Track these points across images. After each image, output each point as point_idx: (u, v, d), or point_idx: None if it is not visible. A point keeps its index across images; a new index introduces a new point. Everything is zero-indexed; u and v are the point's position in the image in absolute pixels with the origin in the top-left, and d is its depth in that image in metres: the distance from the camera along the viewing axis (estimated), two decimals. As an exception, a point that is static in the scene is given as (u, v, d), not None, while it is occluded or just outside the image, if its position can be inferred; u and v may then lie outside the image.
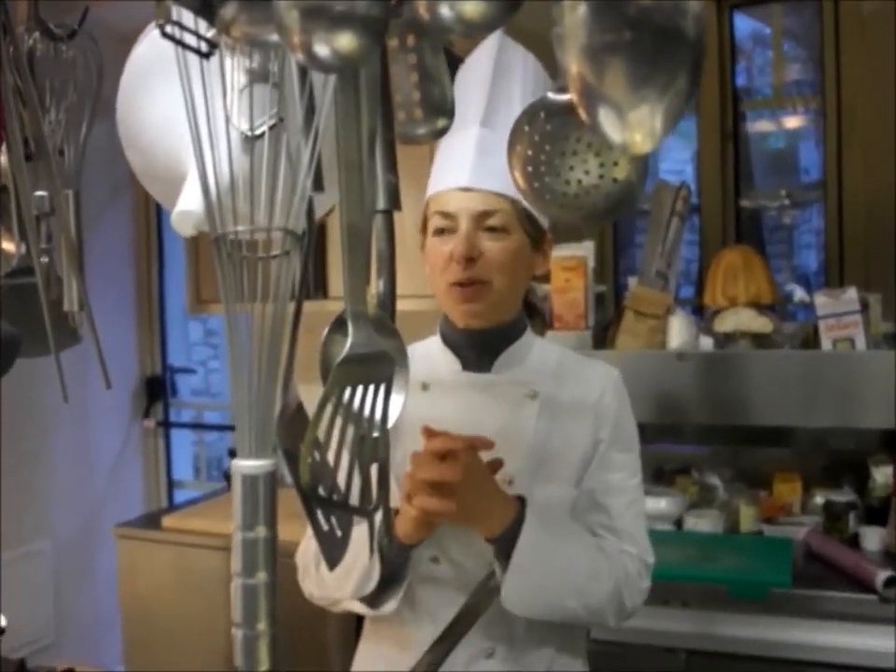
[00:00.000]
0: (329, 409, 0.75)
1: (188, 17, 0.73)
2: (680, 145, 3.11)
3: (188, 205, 0.89)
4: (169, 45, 0.73)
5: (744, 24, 3.07)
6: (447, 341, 1.45)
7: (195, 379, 4.37)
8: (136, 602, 2.98)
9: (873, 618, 2.01)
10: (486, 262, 1.33)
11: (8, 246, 1.16)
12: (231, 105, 0.81)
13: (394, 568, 1.35)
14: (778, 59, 3.07)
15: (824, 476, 2.59)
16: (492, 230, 1.33)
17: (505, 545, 1.30)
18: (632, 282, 2.62)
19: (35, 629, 3.17)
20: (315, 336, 0.82)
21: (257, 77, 0.82)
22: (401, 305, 0.89)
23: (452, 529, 1.34)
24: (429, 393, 1.42)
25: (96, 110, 1.17)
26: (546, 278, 2.49)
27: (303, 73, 0.78)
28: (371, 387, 0.79)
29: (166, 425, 3.99)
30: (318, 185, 0.80)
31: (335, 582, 1.38)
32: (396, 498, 1.26)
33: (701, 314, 2.62)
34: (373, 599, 1.37)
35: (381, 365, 0.80)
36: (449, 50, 1.03)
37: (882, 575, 2.05)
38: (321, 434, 0.76)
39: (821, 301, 2.32)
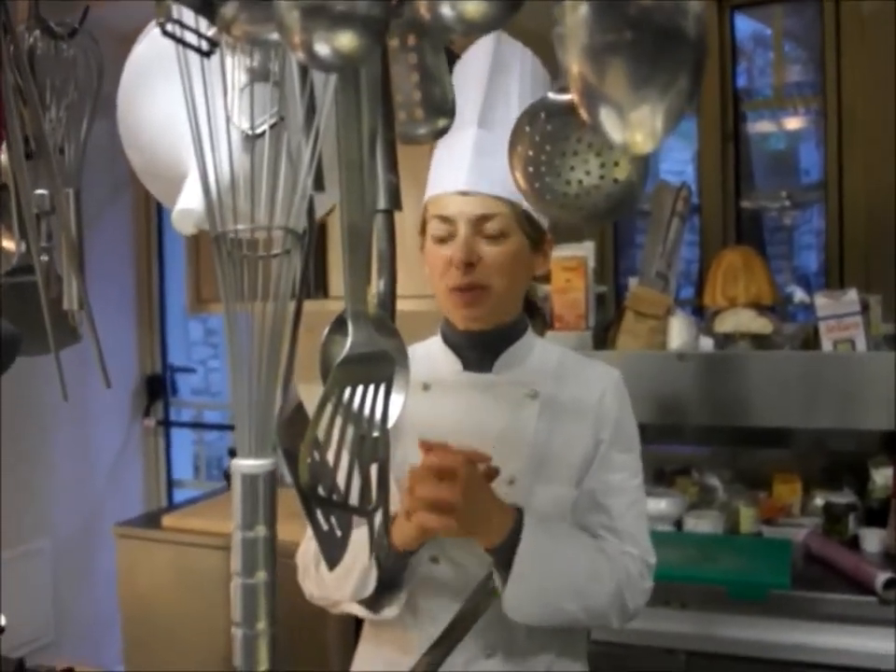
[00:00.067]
0: (329, 408, 0.75)
1: (188, 15, 0.73)
2: (681, 145, 3.11)
3: (188, 204, 0.88)
4: (169, 44, 0.73)
5: (745, 25, 3.07)
6: (448, 341, 1.45)
7: (195, 378, 4.37)
8: (136, 601, 2.98)
9: (872, 620, 2.01)
10: (485, 267, 1.33)
11: (9, 245, 1.16)
12: (231, 104, 0.81)
13: (393, 573, 1.35)
14: (779, 60, 3.07)
15: (824, 477, 2.59)
16: (491, 235, 1.33)
17: (505, 554, 1.29)
18: (632, 282, 2.62)
19: (35, 628, 3.17)
20: (315, 335, 0.82)
21: (257, 75, 0.82)
22: (402, 305, 0.88)
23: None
24: (430, 393, 1.42)
25: (96, 109, 1.17)
26: (547, 278, 2.49)
27: (304, 72, 0.78)
28: (372, 387, 0.79)
29: (166, 424, 3.99)
30: (319, 184, 0.80)
31: (334, 583, 1.38)
32: (395, 500, 1.26)
33: (701, 314, 2.62)
34: (373, 603, 1.37)
35: (381, 365, 0.80)
36: (448, 49, 1.03)
37: (882, 577, 2.05)
38: (321, 434, 0.76)
39: (822, 302, 2.32)
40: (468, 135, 1.33)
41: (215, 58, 0.76)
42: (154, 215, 3.87)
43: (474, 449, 1.29)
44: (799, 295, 2.70)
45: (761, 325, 2.39)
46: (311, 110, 0.77)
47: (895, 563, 2.18)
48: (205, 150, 0.73)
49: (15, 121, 0.97)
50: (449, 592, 1.36)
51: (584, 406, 1.42)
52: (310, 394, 0.80)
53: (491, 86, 1.33)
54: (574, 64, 0.68)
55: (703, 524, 2.46)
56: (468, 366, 1.43)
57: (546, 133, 0.92)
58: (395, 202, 0.85)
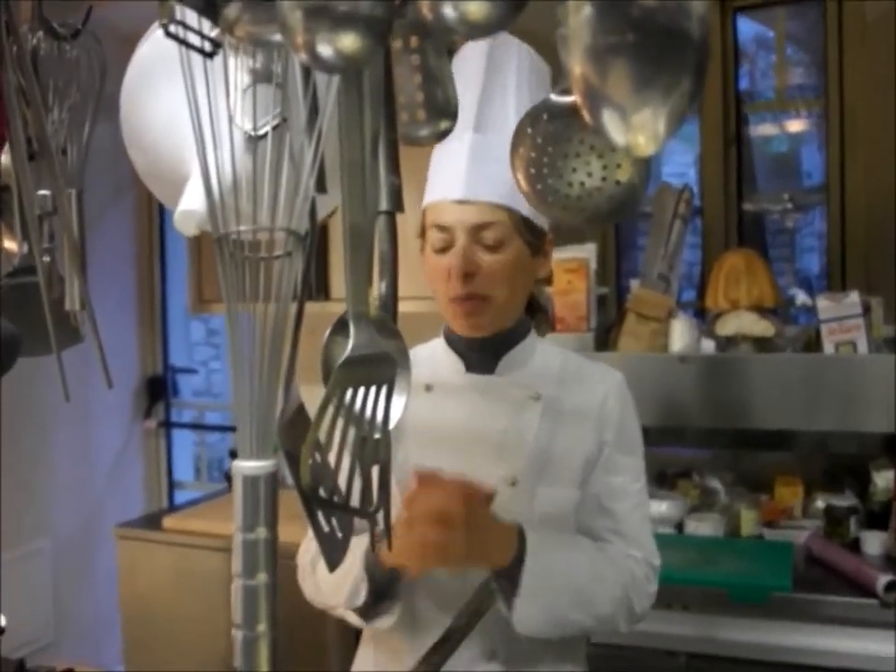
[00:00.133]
0: (330, 410, 0.75)
1: (191, 16, 0.73)
2: (683, 148, 3.11)
3: (190, 205, 0.88)
4: (172, 45, 0.73)
5: (747, 27, 3.07)
6: (451, 343, 1.45)
7: (196, 379, 4.37)
8: (136, 602, 2.98)
9: (873, 622, 2.01)
10: (485, 277, 1.32)
11: (11, 245, 1.16)
12: (234, 105, 0.81)
13: (386, 585, 1.35)
14: (781, 62, 3.07)
15: (825, 480, 2.59)
16: (490, 245, 1.32)
17: (510, 574, 1.29)
18: (634, 284, 2.62)
19: (35, 629, 3.17)
20: (316, 337, 0.82)
21: (260, 76, 0.82)
22: (403, 307, 0.88)
23: None
24: (432, 394, 1.42)
25: (99, 110, 1.17)
26: (549, 280, 2.48)
27: (307, 73, 0.78)
28: (373, 389, 0.79)
29: (167, 425, 3.99)
30: (321, 185, 0.80)
31: (330, 588, 1.39)
32: (396, 501, 1.26)
33: (703, 317, 2.62)
34: (368, 612, 1.37)
35: (383, 366, 0.80)
36: (450, 49, 1.03)
37: (883, 579, 2.05)
38: (322, 435, 0.76)
39: (823, 304, 2.32)
40: (463, 141, 1.31)
41: (217, 59, 0.76)
42: (156, 215, 3.87)
43: (467, 480, 1.28)
44: (801, 297, 2.70)
45: (762, 327, 2.39)
46: (313, 111, 0.77)
47: (896, 566, 2.17)
48: (208, 151, 0.73)
49: (18, 122, 0.96)
50: (448, 597, 1.35)
51: (587, 408, 1.42)
52: (311, 395, 0.80)
53: (486, 87, 1.32)
54: (577, 66, 0.68)
55: (704, 526, 2.46)
56: (470, 367, 1.43)
57: (548, 135, 0.92)
58: (397, 203, 0.85)
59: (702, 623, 2.12)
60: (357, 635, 1.55)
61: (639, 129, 0.68)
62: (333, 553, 0.81)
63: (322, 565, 1.37)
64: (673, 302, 2.51)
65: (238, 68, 0.81)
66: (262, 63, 0.82)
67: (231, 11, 0.70)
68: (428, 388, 1.42)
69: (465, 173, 1.31)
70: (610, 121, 0.69)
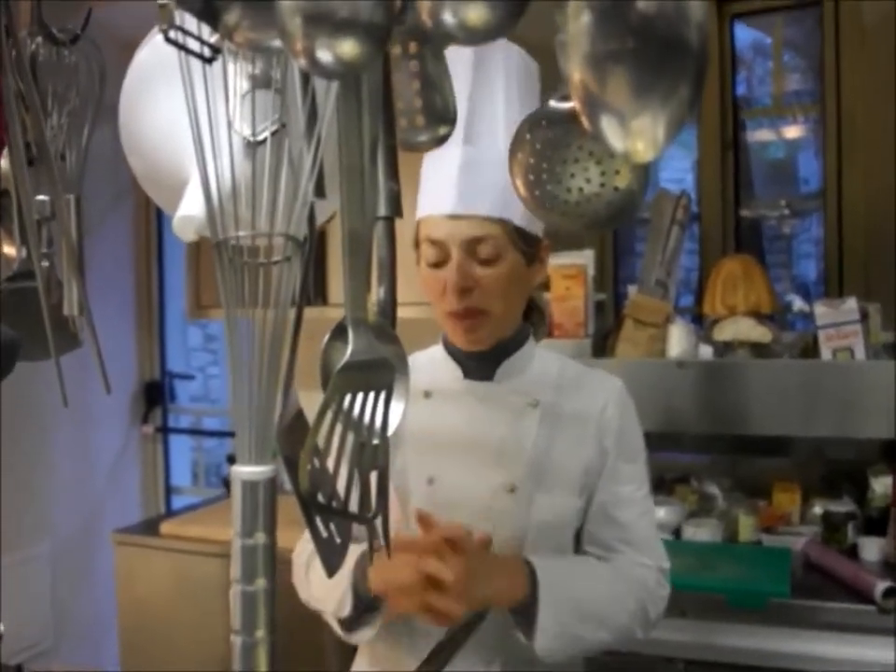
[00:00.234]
0: (329, 415, 0.75)
1: (190, 22, 0.73)
2: (681, 154, 3.12)
3: (189, 210, 0.88)
4: (171, 50, 0.73)
5: (744, 34, 3.08)
6: (449, 350, 1.45)
7: (194, 385, 4.36)
8: (134, 608, 2.98)
9: (871, 629, 2.01)
10: (482, 291, 1.32)
11: (9, 250, 1.16)
12: (233, 111, 0.81)
13: (369, 601, 1.35)
14: (779, 68, 3.08)
15: (823, 486, 2.59)
16: (485, 259, 1.31)
17: (526, 608, 1.30)
18: (632, 290, 2.62)
19: (33, 634, 3.16)
20: (315, 343, 0.82)
21: (259, 82, 0.82)
22: (402, 313, 0.88)
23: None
24: (431, 401, 1.42)
25: (98, 115, 1.17)
26: (546, 286, 2.49)
27: (306, 79, 0.78)
28: (372, 394, 0.79)
29: (165, 430, 3.98)
30: (320, 191, 0.80)
31: (320, 594, 1.40)
32: (394, 508, 1.26)
33: (700, 322, 2.62)
34: (351, 623, 1.37)
35: (381, 372, 0.80)
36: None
37: (881, 586, 2.05)
38: (321, 441, 0.76)
39: (821, 310, 2.32)
40: (453, 154, 1.29)
41: (217, 64, 0.76)
42: (154, 221, 3.87)
43: (465, 529, 1.29)
44: (798, 304, 2.70)
45: (760, 333, 2.39)
46: (312, 117, 0.77)
47: (894, 572, 2.17)
48: (207, 157, 0.73)
49: (17, 127, 0.97)
50: None
51: (586, 415, 1.42)
52: (310, 401, 0.80)
53: (474, 96, 1.29)
54: (576, 72, 0.69)
55: (702, 532, 2.46)
56: (468, 374, 1.43)
57: (547, 141, 0.92)
58: (395, 209, 0.85)
59: (700, 629, 2.11)
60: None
61: (638, 135, 0.69)
62: (331, 559, 0.81)
63: (315, 567, 1.38)
64: (671, 308, 2.51)
65: (237, 74, 0.82)
66: (261, 69, 0.82)
67: (231, 17, 0.70)
68: (427, 395, 1.42)
69: (456, 187, 1.30)
70: (609, 127, 0.69)
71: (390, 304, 0.87)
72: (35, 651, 3.09)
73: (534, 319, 1.51)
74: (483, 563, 1.29)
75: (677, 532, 2.50)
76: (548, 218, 1.00)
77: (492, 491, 1.36)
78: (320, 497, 0.78)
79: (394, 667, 1.39)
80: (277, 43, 0.68)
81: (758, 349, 2.39)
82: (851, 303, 2.30)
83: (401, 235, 0.89)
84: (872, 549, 2.31)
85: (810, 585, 2.18)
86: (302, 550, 1.46)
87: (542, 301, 2.37)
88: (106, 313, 3.32)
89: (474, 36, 0.68)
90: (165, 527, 3.01)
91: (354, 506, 0.81)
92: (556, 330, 2.52)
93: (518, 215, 1.30)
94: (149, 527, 3.09)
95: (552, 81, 0.93)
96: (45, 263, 1.12)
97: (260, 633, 0.70)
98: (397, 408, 0.82)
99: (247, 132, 0.83)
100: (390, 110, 0.85)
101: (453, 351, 1.44)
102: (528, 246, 1.36)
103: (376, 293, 0.86)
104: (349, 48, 0.64)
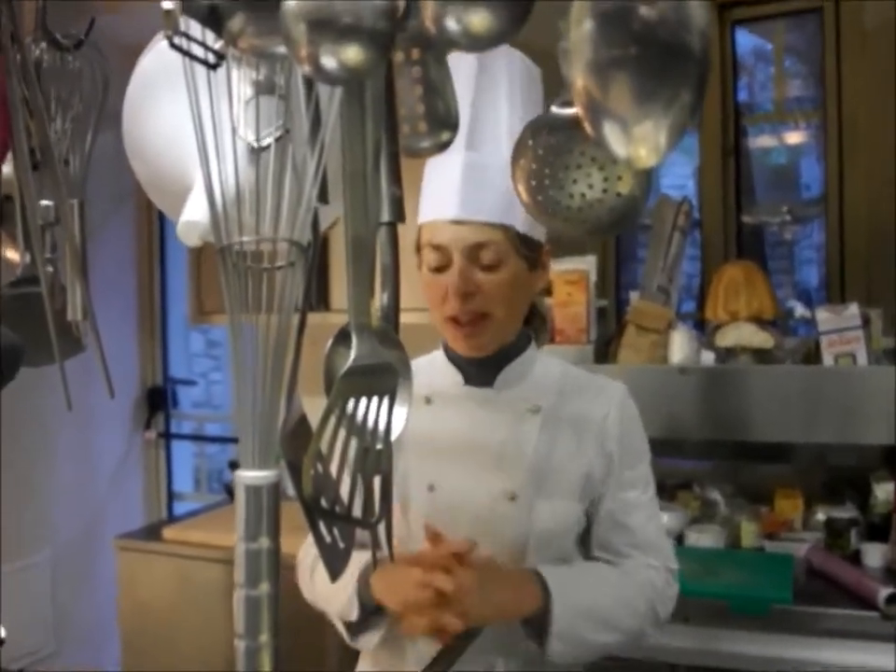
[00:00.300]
0: (332, 420, 0.75)
1: (195, 28, 0.73)
2: (682, 160, 3.12)
3: (193, 216, 0.89)
4: (175, 56, 0.73)
5: (746, 40, 3.08)
6: (450, 356, 1.45)
7: (196, 391, 4.36)
8: (136, 613, 2.97)
9: (874, 635, 2.00)
10: (484, 296, 1.32)
11: (13, 255, 1.16)
12: (237, 117, 0.81)
13: (373, 608, 1.35)
14: (780, 74, 3.09)
15: (825, 492, 2.58)
16: (487, 265, 1.31)
17: (539, 618, 1.30)
18: (633, 296, 2.62)
19: (35, 639, 3.16)
20: (317, 348, 0.82)
21: (263, 88, 0.83)
22: (405, 318, 0.89)
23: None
24: (432, 407, 1.42)
25: (101, 120, 1.18)
26: (548, 292, 2.49)
27: (309, 85, 0.78)
28: (375, 399, 0.79)
29: (167, 436, 3.98)
30: (324, 196, 0.80)
31: (325, 597, 1.40)
32: (396, 513, 1.26)
33: (702, 328, 2.62)
34: (356, 627, 1.38)
35: (385, 377, 0.80)
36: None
37: (884, 592, 2.05)
38: (324, 446, 0.76)
39: (823, 316, 2.32)
40: (456, 160, 1.30)
41: (221, 70, 0.76)
42: (156, 226, 3.88)
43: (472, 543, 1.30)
44: (800, 309, 2.70)
45: (762, 339, 2.39)
46: (316, 123, 0.77)
47: (897, 578, 2.17)
48: (211, 162, 0.73)
49: (22, 132, 0.97)
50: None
51: (588, 421, 1.42)
52: (313, 406, 0.80)
53: (477, 102, 1.29)
54: (578, 79, 0.69)
55: (704, 538, 2.46)
56: (469, 380, 1.43)
57: (549, 147, 0.93)
58: (398, 214, 0.85)
59: (702, 635, 2.11)
60: (357, 647, 1.55)
61: (640, 141, 0.69)
62: (335, 564, 0.81)
63: (320, 570, 1.38)
64: (672, 314, 2.51)
65: (241, 80, 0.82)
66: (265, 75, 0.83)
67: (236, 23, 0.70)
68: (428, 401, 1.42)
69: (459, 192, 1.30)
70: (612, 133, 0.70)
71: (393, 309, 0.87)
72: (36, 656, 3.09)
73: (535, 325, 1.51)
74: (492, 577, 1.29)
75: (680, 538, 2.49)
76: (550, 224, 1.01)
77: (492, 498, 1.36)
78: (323, 502, 0.78)
79: (401, 664, 1.39)
80: (281, 49, 0.69)
81: (760, 355, 2.39)
82: (853, 309, 2.30)
83: (404, 241, 0.90)
84: (875, 555, 2.31)
85: (813, 591, 2.18)
86: (306, 554, 1.47)
87: (544, 306, 2.38)
88: (109, 318, 3.31)
89: (477, 43, 0.69)
90: (168, 533, 3.01)
91: (357, 511, 0.81)
92: (558, 336, 2.52)
93: (520, 220, 1.30)
94: (152, 533, 3.09)
95: (554, 87, 0.93)
96: (49, 268, 1.12)
97: (264, 637, 0.70)
98: (400, 413, 0.82)
99: (251, 137, 0.83)
100: (393, 116, 0.85)
101: (453, 357, 1.44)
102: (530, 252, 1.36)
103: (379, 298, 0.86)
104: (353, 54, 0.64)
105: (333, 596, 1.36)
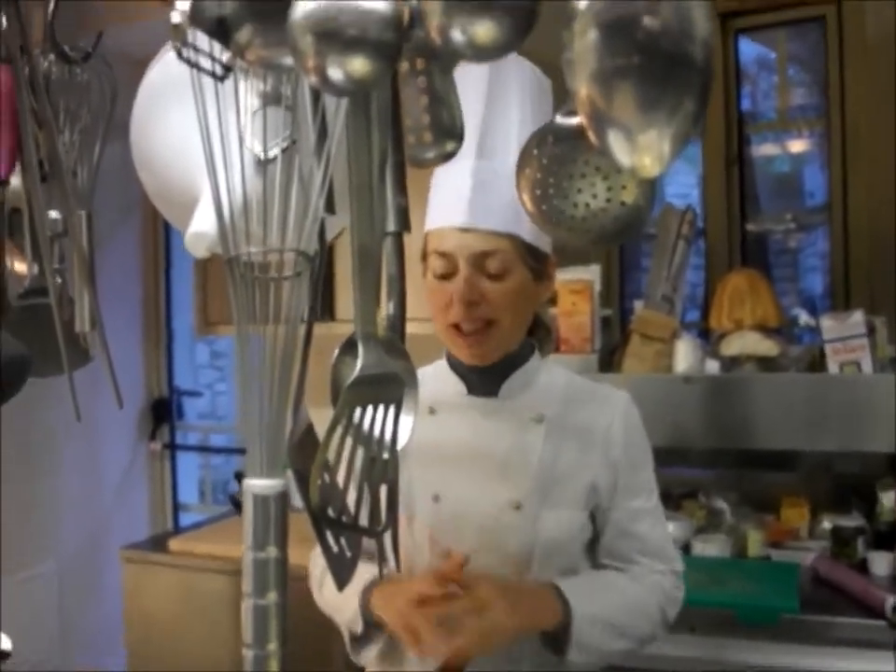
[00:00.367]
0: (339, 430, 0.76)
1: (202, 40, 0.74)
2: (686, 169, 3.13)
3: (201, 227, 0.89)
4: (183, 68, 0.74)
5: (749, 49, 3.09)
6: (452, 366, 1.45)
7: (201, 402, 4.37)
8: (142, 625, 2.97)
9: (882, 644, 2.00)
10: (489, 305, 1.32)
11: (20, 267, 1.17)
12: (244, 128, 0.82)
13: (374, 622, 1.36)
14: (783, 83, 3.09)
15: (832, 500, 2.57)
16: (493, 273, 1.31)
17: (558, 630, 1.31)
18: (638, 305, 2.62)
19: (41, 651, 3.16)
20: (323, 359, 0.82)
21: (270, 99, 0.83)
22: (411, 328, 0.89)
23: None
24: (436, 417, 1.42)
25: (109, 132, 1.18)
26: (553, 301, 2.49)
27: (316, 96, 0.79)
28: (381, 408, 0.80)
29: (172, 447, 3.99)
30: (330, 207, 0.81)
31: (333, 607, 1.41)
32: (401, 523, 1.26)
33: (707, 337, 2.62)
34: (360, 641, 1.39)
35: (391, 386, 0.81)
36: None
37: (891, 600, 2.04)
38: (331, 455, 0.76)
39: (827, 324, 2.32)
40: (466, 168, 1.30)
41: (228, 82, 0.77)
42: (162, 236, 3.89)
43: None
44: (804, 317, 2.70)
45: (767, 347, 2.39)
46: (322, 134, 0.78)
47: (904, 586, 2.16)
48: (218, 173, 0.74)
49: (31, 144, 0.98)
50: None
51: (592, 429, 1.42)
52: (320, 417, 0.81)
53: (488, 111, 1.30)
54: (582, 88, 0.69)
55: (710, 547, 2.45)
56: (472, 390, 1.43)
57: (554, 156, 0.93)
58: (404, 223, 0.86)
59: (709, 644, 2.10)
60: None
61: (645, 150, 0.69)
62: (342, 573, 0.82)
63: (329, 580, 1.38)
64: (677, 323, 2.51)
65: (248, 91, 0.82)
66: (272, 87, 0.83)
67: (243, 35, 0.71)
68: (432, 411, 1.42)
69: (468, 200, 1.30)
70: (616, 143, 0.70)
71: (399, 319, 0.87)
72: (41, 667, 3.08)
73: (539, 335, 1.51)
74: (514, 593, 1.29)
75: (686, 548, 2.49)
76: (555, 233, 1.01)
77: (497, 507, 1.36)
78: (330, 512, 0.79)
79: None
80: (288, 61, 0.69)
81: (765, 363, 2.39)
82: (858, 317, 2.30)
83: (410, 251, 0.90)
84: (882, 563, 2.30)
85: (820, 600, 2.17)
86: (315, 564, 1.48)
87: (547, 316, 2.38)
88: (115, 329, 3.31)
89: (482, 53, 0.69)
90: (174, 544, 3.01)
91: (364, 520, 0.81)
92: (563, 346, 2.52)
93: (527, 231, 1.30)
94: (158, 544, 3.09)
95: (564, 97, 0.93)
96: (57, 279, 1.13)
97: (272, 646, 0.71)
98: (406, 422, 0.82)
99: (258, 148, 0.84)
100: (399, 127, 0.86)
101: (456, 366, 1.44)
102: (537, 263, 1.36)
103: (386, 308, 0.87)
104: (359, 65, 0.65)
105: (342, 606, 1.37)
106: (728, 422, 2.34)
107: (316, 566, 1.47)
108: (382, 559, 0.98)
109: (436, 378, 1.45)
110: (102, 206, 1.24)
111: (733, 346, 2.43)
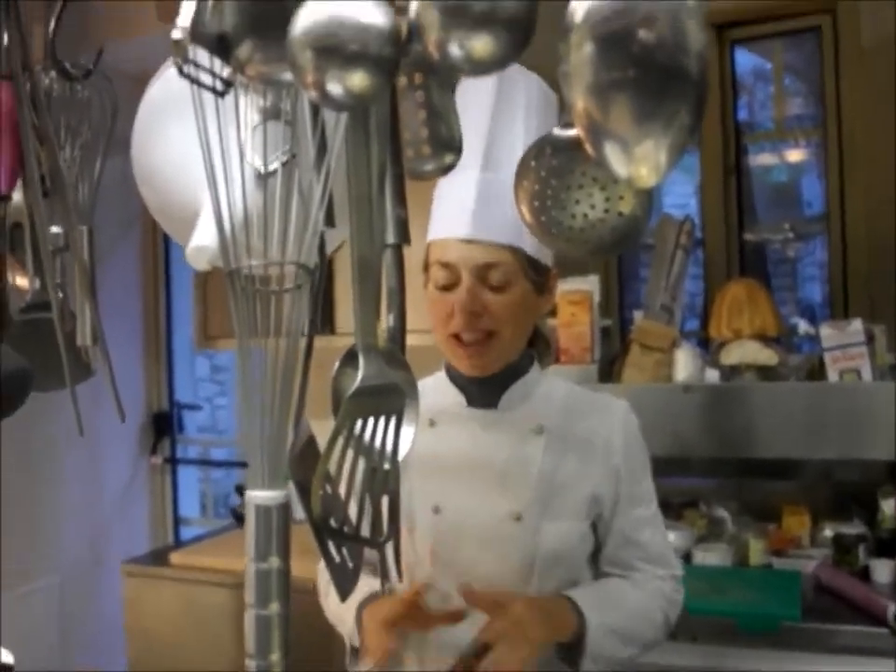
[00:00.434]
0: (340, 441, 0.76)
1: (202, 56, 0.75)
2: (684, 179, 3.14)
3: (202, 241, 0.90)
4: (183, 84, 0.74)
5: (745, 59, 3.11)
6: (452, 377, 1.46)
7: (202, 415, 4.37)
8: (143, 638, 2.97)
9: (884, 651, 1.99)
10: (490, 316, 1.32)
11: (22, 282, 1.17)
12: (244, 142, 0.82)
13: None
14: (780, 93, 3.11)
15: (833, 508, 2.58)
16: (495, 286, 1.32)
17: (572, 640, 1.33)
18: (637, 315, 2.63)
19: (41, 664, 3.15)
20: (323, 372, 0.83)
21: (269, 114, 0.84)
22: (411, 340, 0.89)
23: (452, 574, 1.35)
24: (436, 429, 1.42)
25: (109, 147, 1.19)
26: (552, 312, 2.50)
27: (315, 111, 0.79)
28: (382, 419, 0.80)
29: (173, 461, 3.98)
30: (330, 220, 0.81)
31: (335, 617, 1.42)
32: (402, 534, 1.26)
33: (706, 346, 2.62)
34: (357, 652, 1.39)
35: (392, 397, 0.81)
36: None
37: (893, 608, 2.04)
38: (332, 466, 0.76)
39: (827, 332, 2.33)
40: (470, 179, 1.31)
41: (228, 97, 0.78)
42: (162, 250, 3.89)
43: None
44: (804, 326, 2.70)
45: (766, 356, 2.39)
46: (322, 148, 0.79)
47: (906, 594, 2.16)
48: (219, 188, 0.75)
49: (32, 160, 0.98)
50: (454, 643, 1.34)
51: (593, 440, 1.43)
52: (321, 430, 0.81)
53: (494, 124, 1.31)
54: (579, 101, 0.70)
55: (712, 556, 2.45)
56: (472, 402, 1.43)
57: (552, 168, 0.93)
58: (403, 236, 0.86)
59: (711, 653, 2.10)
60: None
61: (641, 161, 0.70)
62: (344, 584, 0.82)
63: (333, 591, 1.39)
64: (676, 333, 2.51)
65: (248, 106, 0.83)
66: (272, 102, 0.84)
67: (243, 51, 0.72)
68: (432, 423, 1.42)
69: (472, 212, 1.31)
70: (613, 154, 0.70)
71: (400, 331, 0.87)
72: (42, 682, 3.08)
73: (539, 347, 1.51)
74: (544, 612, 1.31)
75: (687, 557, 2.48)
76: (553, 244, 1.01)
77: (498, 519, 1.37)
78: (332, 523, 0.79)
79: None
80: (288, 76, 0.70)
81: (764, 372, 2.39)
82: (857, 325, 2.30)
83: (410, 263, 0.90)
84: (883, 571, 2.30)
85: (822, 608, 2.17)
86: (322, 575, 1.49)
87: (546, 328, 2.39)
88: (115, 343, 3.32)
89: (480, 67, 0.70)
90: (175, 557, 3.01)
91: (365, 531, 0.81)
92: (563, 356, 2.53)
93: (529, 244, 1.31)
94: (159, 558, 3.09)
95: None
96: (59, 294, 1.13)
97: (275, 656, 0.71)
98: (407, 433, 0.82)
99: (258, 163, 0.85)
100: (397, 140, 0.87)
101: (455, 377, 1.45)
102: (538, 276, 1.36)
103: (386, 320, 0.87)
104: (359, 80, 0.66)
105: (344, 618, 1.37)
106: (728, 431, 2.35)
107: (323, 577, 1.48)
108: (384, 572, 0.98)
109: (436, 390, 1.45)
110: (102, 221, 1.25)
111: (732, 355, 2.43)
